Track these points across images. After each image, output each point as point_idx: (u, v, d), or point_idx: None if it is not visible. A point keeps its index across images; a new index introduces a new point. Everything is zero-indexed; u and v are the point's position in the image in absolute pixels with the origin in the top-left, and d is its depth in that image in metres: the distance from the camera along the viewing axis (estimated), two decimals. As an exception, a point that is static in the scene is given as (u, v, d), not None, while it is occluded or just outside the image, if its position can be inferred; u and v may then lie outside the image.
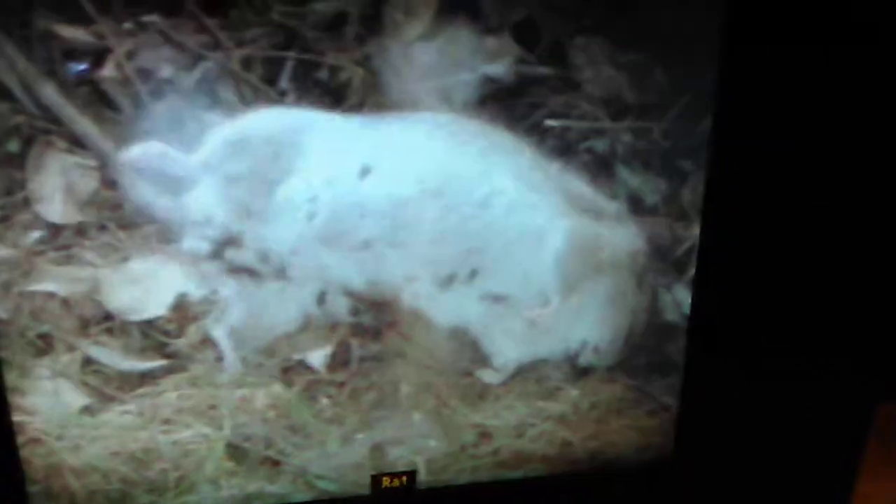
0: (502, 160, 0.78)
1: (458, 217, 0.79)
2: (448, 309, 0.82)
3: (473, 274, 0.81)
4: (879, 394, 0.96)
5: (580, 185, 0.80)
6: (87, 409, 0.77)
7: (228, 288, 0.76)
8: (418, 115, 0.75)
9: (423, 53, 0.72)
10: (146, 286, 0.74)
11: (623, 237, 0.83)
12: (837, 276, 0.90)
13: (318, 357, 0.81)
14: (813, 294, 0.91)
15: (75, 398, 0.76)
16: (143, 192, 0.72)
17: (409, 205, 0.77)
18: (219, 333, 0.77)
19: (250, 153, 0.73)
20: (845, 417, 0.96)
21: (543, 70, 0.75)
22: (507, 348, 0.84)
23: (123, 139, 0.70)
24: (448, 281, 0.81)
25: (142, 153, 0.71)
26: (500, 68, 0.74)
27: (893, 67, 0.81)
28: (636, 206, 0.82)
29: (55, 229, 0.72)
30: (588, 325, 0.86)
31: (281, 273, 0.77)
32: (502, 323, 0.83)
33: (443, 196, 0.78)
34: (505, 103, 0.76)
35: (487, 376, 0.85)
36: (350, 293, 0.79)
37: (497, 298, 0.82)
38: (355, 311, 0.80)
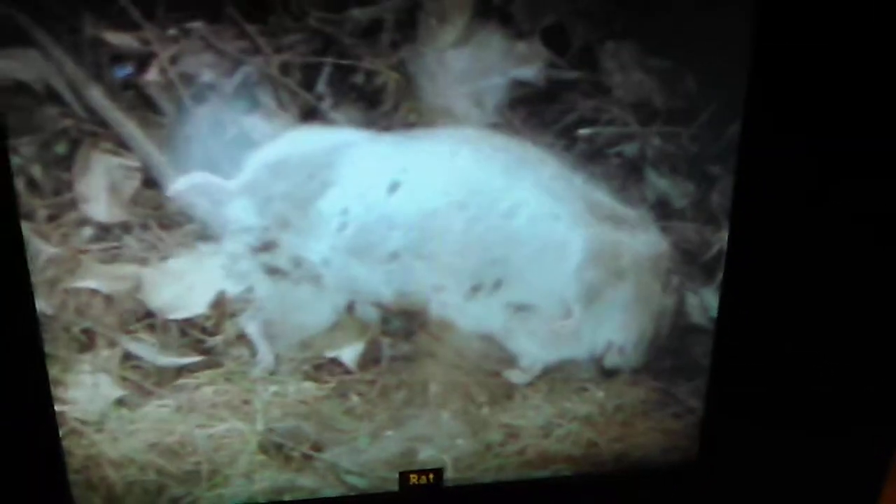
0: (526, 173, 0.79)
1: (482, 228, 0.80)
2: (474, 317, 0.84)
3: (498, 284, 0.83)
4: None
5: (602, 194, 0.81)
6: (125, 403, 0.79)
7: (263, 287, 0.78)
8: (445, 130, 0.76)
9: (455, 59, 0.74)
10: (187, 284, 0.77)
11: (646, 243, 0.84)
12: (866, 280, 0.90)
13: (349, 355, 0.82)
14: (840, 299, 0.90)
15: (114, 392, 0.79)
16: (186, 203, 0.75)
17: (436, 217, 0.79)
18: (253, 330, 0.80)
19: (287, 175, 0.76)
20: (874, 421, 0.96)
21: (573, 74, 0.76)
22: (533, 350, 0.86)
23: (167, 142, 0.72)
24: (474, 291, 0.82)
25: (187, 185, 0.73)
26: (530, 72, 0.75)
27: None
28: (664, 210, 0.83)
29: (100, 228, 0.74)
30: (612, 327, 0.87)
31: (314, 279, 0.79)
32: (527, 328, 0.85)
33: (468, 208, 0.80)
34: (535, 108, 0.77)
35: (514, 376, 0.87)
36: (379, 304, 0.81)
37: (521, 307, 0.84)
38: (385, 320, 0.81)
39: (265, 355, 0.81)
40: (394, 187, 0.78)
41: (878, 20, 0.79)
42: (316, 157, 0.76)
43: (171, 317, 0.77)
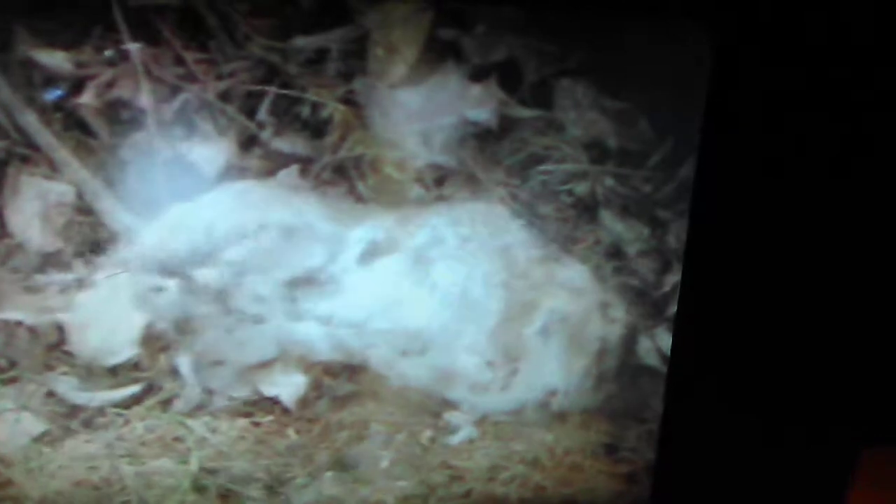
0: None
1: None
2: (406, 373, 0.82)
3: (423, 350, 0.81)
4: (864, 438, 0.95)
5: (544, 238, 0.80)
6: (47, 438, 0.76)
7: (197, 322, 0.76)
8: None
9: (406, 95, 0.72)
10: (113, 320, 0.73)
11: (585, 288, 0.83)
12: (819, 319, 0.89)
13: (288, 394, 0.79)
14: (795, 340, 0.90)
15: (36, 426, 0.75)
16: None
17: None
18: (185, 366, 0.76)
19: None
20: (829, 463, 0.95)
21: (527, 112, 0.75)
22: (470, 398, 0.84)
23: (101, 166, 0.69)
24: (403, 354, 0.81)
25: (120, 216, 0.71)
26: (484, 113, 0.74)
27: (881, 120, 0.81)
28: (615, 251, 0.82)
29: (28, 255, 0.71)
30: (552, 374, 0.85)
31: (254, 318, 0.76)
32: (459, 383, 0.83)
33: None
34: (486, 145, 0.75)
35: (455, 419, 0.84)
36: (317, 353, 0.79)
37: (446, 371, 0.82)
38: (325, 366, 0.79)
39: (196, 391, 0.77)
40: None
41: (831, 66, 0.79)
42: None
43: (105, 363, 0.74)
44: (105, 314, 0.73)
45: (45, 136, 0.68)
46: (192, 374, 0.77)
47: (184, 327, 0.75)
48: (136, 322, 0.74)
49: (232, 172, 0.72)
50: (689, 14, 0.75)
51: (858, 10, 0.76)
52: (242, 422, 0.80)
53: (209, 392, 0.78)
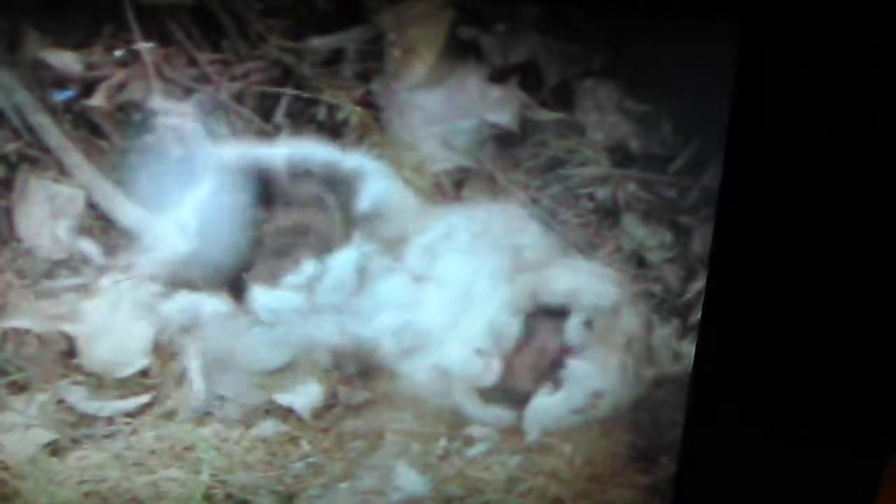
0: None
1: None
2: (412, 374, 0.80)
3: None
4: (891, 445, 0.93)
5: (569, 241, 0.78)
6: (57, 448, 0.74)
7: (209, 327, 0.74)
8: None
9: (425, 98, 0.70)
10: (124, 330, 0.72)
11: (610, 293, 0.81)
12: (845, 326, 0.87)
13: (302, 404, 0.78)
14: (820, 347, 0.88)
15: (44, 436, 0.74)
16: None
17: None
18: (196, 373, 0.75)
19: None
20: (855, 471, 0.93)
21: (548, 115, 0.73)
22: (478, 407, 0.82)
23: (112, 169, 0.68)
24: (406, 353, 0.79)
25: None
26: (505, 116, 0.72)
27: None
28: (639, 258, 0.80)
29: (38, 261, 0.69)
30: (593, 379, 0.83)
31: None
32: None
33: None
34: (507, 147, 0.73)
35: (473, 430, 0.83)
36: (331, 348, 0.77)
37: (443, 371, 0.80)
38: (339, 366, 0.77)
39: (207, 399, 0.76)
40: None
41: (856, 71, 0.77)
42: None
43: (117, 375, 0.73)
44: (115, 324, 0.72)
45: (57, 138, 0.67)
46: (203, 382, 0.75)
47: (194, 333, 0.74)
48: (146, 331, 0.72)
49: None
50: (715, 15, 0.74)
51: (890, 12, 0.74)
52: (255, 431, 0.78)
53: (221, 399, 0.76)
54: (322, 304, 0.75)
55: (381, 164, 0.72)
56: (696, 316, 0.84)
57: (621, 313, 0.82)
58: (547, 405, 0.83)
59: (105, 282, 0.71)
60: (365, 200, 0.73)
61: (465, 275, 0.78)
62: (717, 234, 0.80)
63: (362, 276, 0.75)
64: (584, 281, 0.80)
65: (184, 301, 0.73)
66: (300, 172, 0.71)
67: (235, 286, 0.74)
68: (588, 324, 0.82)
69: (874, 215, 0.83)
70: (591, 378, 0.83)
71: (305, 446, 0.80)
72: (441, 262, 0.77)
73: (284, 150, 0.70)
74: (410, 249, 0.76)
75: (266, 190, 0.72)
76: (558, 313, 0.81)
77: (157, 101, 0.66)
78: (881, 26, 0.74)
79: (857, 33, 0.74)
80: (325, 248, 0.74)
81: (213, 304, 0.74)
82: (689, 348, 0.85)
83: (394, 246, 0.75)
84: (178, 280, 0.72)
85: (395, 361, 0.79)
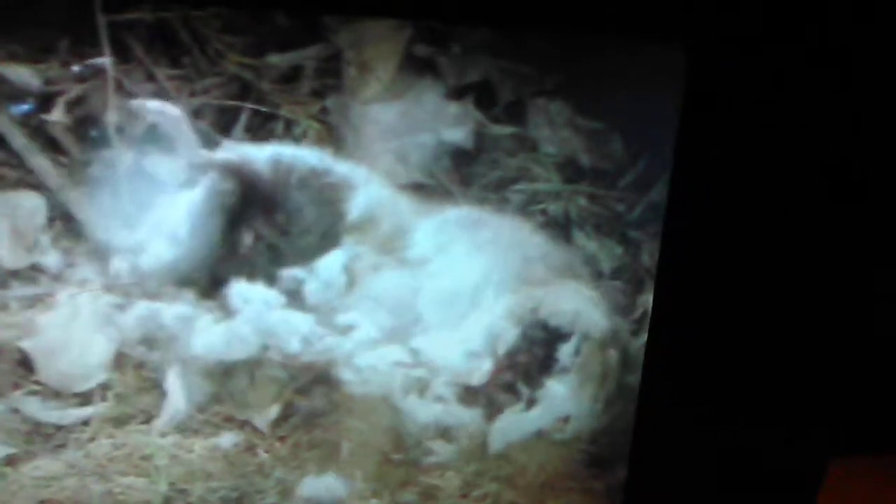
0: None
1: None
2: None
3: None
4: (831, 449, 0.96)
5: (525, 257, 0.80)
6: (11, 459, 0.74)
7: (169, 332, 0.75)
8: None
9: (381, 113, 0.72)
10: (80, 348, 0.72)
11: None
12: (787, 335, 0.90)
13: (261, 418, 0.79)
14: (763, 355, 0.90)
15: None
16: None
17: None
18: (170, 380, 0.75)
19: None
20: (797, 474, 0.96)
21: (503, 130, 0.75)
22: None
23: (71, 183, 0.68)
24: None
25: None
26: (461, 133, 0.74)
27: (858, 143, 0.83)
28: (592, 272, 0.82)
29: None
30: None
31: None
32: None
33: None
34: (462, 163, 0.75)
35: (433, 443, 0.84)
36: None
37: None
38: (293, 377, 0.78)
39: (174, 409, 0.76)
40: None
41: (806, 89, 0.80)
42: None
43: (76, 390, 0.73)
44: (73, 337, 0.72)
45: (24, 148, 0.67)
46: (172, 390, 0.76)
47: (155, 342, 0.74)
48: (107, 344, 0.73)
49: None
50: (663, 37, 0.76)
51: (834, 35, 0.77)
52: (213, 440, 0.78)
53: (182, 409, 0.77)
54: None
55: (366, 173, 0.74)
56: (646, 326, 0.86)
57: (607, 344, 0.84)
58: (517, 421, 0.85)
59: (64, 293, 0.71)
60: (355, 207, 0.75)
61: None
62: (664, 249, 0.83)
63: (350, 276, 0.76)
64: (583, 306, 0.82)
65: (147, 311, 0.73)
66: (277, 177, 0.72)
67: (207, 294, 0.74)
68: (578, 349, 0.84)
69: (817, 231, 0.86)
70: (565, 402, 0.85)
71: (262, 455, 0.80)
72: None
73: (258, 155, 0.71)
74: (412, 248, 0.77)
75: (240, 196, 0.73)
76: (553, 332, 0.83)
77: (115, 116, 0.67)
78: (829, 47, 0.77)
79: (804, 54, 0.77)
80: (310, 253, 0.75)
81: (179, 312, 0.74)
82: (638, 357, 0.87)
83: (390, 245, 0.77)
84: (143, 290, 0.73)
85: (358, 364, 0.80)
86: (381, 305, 0.78)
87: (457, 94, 0.73)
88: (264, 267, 0.74)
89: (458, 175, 0.75)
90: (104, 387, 0.75)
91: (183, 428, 0.78)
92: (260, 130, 0.70)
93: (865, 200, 0.84)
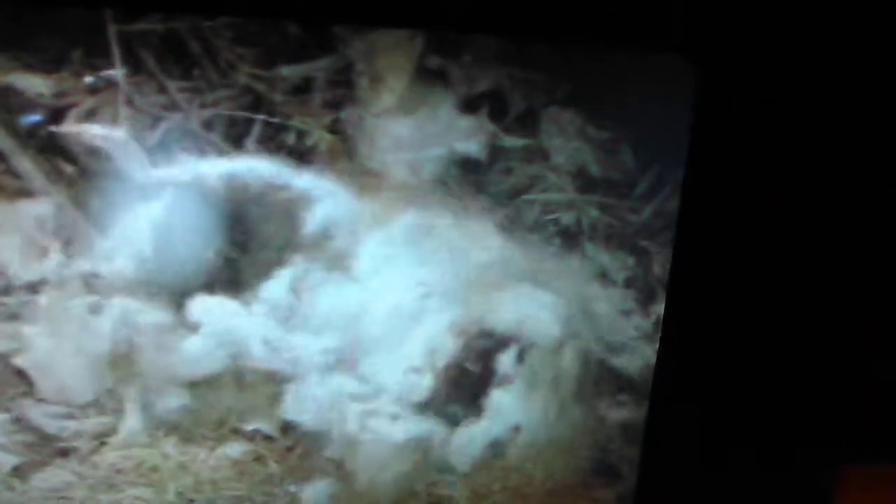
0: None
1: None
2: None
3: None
4: (845, 457, 0.96)
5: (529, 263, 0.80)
6: (18, 470, 0.74)
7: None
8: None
9: (394, 125, 0.71)
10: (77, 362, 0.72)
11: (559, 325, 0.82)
12: (798, 347, 0.90)
13: (266, 426, 0.78)
14: (775, 363, 0.90)
15: (6, 459, 0.73)
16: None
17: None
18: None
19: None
20: (810, 483, 0.96)
21: (512, 140, 0.75)
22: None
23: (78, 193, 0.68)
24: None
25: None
26: (474, 146, 0.73)
27: (857, 148, 0.82)
28: (602, 279, 0.82)
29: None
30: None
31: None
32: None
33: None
34: (473, 173, 0.75)
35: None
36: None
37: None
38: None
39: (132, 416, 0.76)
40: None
41: (816, 99, 0.80)
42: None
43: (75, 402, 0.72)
44: (71, 351, 0.72)
45: (22, 161, 0.66)
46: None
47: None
48: (103, 354, 0.73)
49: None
50: (674, 47, 0.76)
51: (843, 45, 0.77)
52: (220, 450, 0.78)
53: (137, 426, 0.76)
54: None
55: (333, 185, 0.73)
56: (657, 337, 0.86)
57: (559, 350, 0.83)
58: (470, 433, 0.84)
59: (54, 303, 0.71)
60: (313, 221, 0.74)
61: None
62: (676, 259, 0.83)
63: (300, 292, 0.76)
64: (531, 312, 0.81)
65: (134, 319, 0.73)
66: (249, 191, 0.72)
67: (182, 303, 0.74)
68: (521, 356, 0.83)
69: (829, 239, 0.86)
70: (511, 411, 0.84)
71: (271, 464, 0.80)
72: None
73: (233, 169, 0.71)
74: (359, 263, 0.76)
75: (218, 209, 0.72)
76: (497, 341, 0.82)
77: (126, 128, 0.66)
78: (840, 56, 0.77)
79: (815, 62, 0.77)
80: (274, 265, 0.74)
81: (158, 319, 0.74)
82: (649, 367, 0.87)
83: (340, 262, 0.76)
84: (129, 298, 0.72)
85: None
86: (327, 325, 0.78)
87: (469, 103, 0.73)
88: (225, 282, 0.74)
89: (470, 185, 0.75)
90: (107, 397, 0.74)
91: (189, 437, 0.77)
92: (272, 142, 0.70)
93: (880, 210, 0.84)
